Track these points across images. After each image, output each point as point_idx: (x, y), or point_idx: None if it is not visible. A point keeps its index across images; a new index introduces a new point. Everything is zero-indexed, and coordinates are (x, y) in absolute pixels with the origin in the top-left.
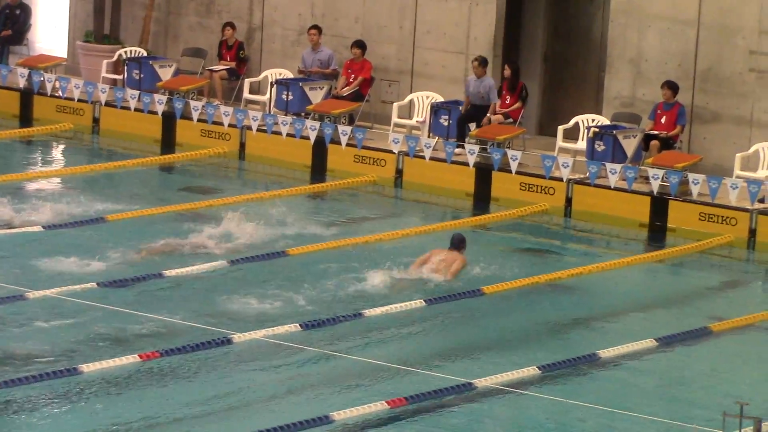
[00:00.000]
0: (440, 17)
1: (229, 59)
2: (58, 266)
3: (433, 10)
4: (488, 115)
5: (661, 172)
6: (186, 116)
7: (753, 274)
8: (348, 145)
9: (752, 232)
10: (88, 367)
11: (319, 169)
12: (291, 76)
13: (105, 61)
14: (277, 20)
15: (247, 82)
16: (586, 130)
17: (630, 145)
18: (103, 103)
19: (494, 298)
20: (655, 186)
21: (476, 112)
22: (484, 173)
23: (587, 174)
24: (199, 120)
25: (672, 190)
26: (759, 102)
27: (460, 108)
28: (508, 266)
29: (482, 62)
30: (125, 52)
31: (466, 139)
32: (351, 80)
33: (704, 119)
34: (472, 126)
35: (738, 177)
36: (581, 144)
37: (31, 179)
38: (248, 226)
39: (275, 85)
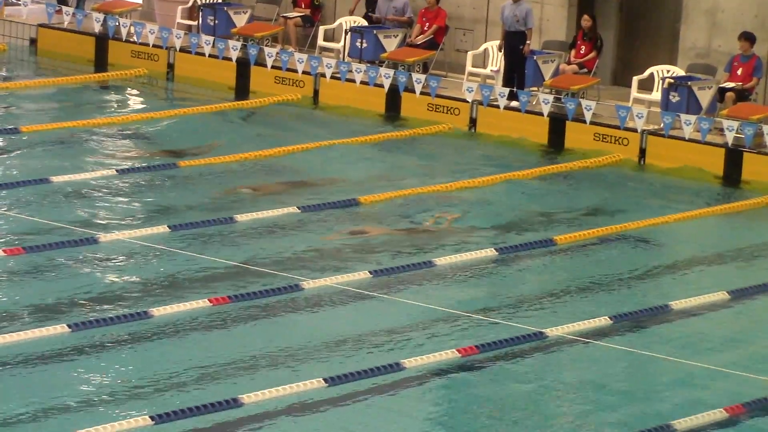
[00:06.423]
0: None
1: (303, 6)
2: (129, 210)
3: None
4: (562, 64)
5: (736, 124)
6: (260, 63)
7: None
8: (422, 93)
9: None
10: (158, 311)
11: (392, 117)
12: (365, 23)
13: (180, 7)
14: None
15: (321, 29)
16: (661, 81)
17: (705, 96)
18: (178, 49)
19: (566, 248)
20: (729, 138)
21: (512, 40)
22: (558, 123)
23: (661, 125)
24: (273, 67)
25: (747, 142)
26: None
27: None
28: (580, 216)
29: None
30: None
31: (540, 89)
32: (426, 28)
33: None
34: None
35: None
36: (656, 95)
37: (106, 125)
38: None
39: (349, 33)
